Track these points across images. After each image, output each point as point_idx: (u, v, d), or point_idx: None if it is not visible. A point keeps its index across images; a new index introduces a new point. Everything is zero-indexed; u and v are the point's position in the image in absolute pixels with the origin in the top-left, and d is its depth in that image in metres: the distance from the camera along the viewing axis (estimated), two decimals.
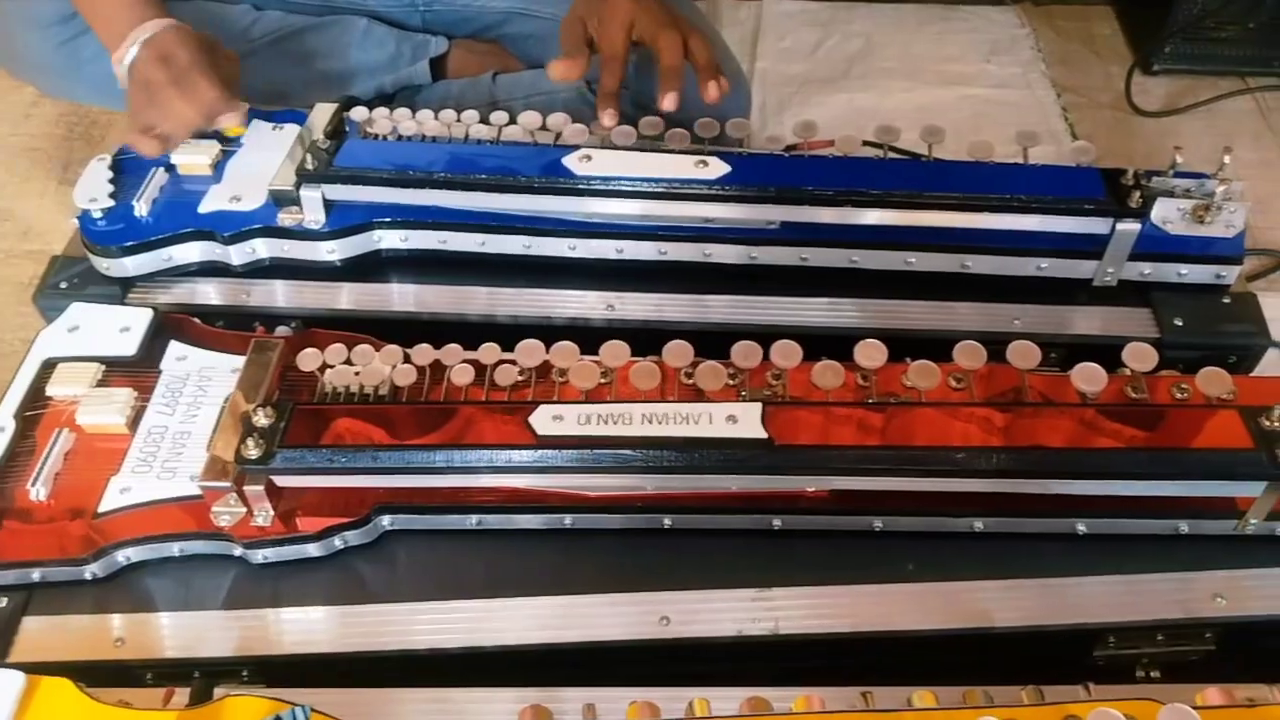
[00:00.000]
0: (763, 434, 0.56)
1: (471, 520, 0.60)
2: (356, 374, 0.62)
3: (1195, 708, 0.42)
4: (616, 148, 0.74)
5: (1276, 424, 0.55)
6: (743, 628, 0.57)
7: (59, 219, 1.00)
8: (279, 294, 0.75)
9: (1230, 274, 0.71)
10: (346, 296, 0.75)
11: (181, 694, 0.53)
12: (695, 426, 0.56)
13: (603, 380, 0.61)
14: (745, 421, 0.56)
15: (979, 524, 0.59)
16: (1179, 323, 0.70)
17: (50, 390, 0.64)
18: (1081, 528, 0.59)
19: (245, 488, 0.57)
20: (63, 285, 0.75)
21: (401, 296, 0.76)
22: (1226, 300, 0.72)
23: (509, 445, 0.56)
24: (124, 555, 0.59)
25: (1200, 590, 0.58)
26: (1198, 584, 0.58)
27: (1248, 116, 1.11)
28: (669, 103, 0.75)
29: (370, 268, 0.76)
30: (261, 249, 0.74)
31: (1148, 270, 0.71)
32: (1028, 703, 0.48)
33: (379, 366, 0.62)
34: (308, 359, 0.62)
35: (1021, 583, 0.58)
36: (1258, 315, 0.71)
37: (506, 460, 0.56)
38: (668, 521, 0.60)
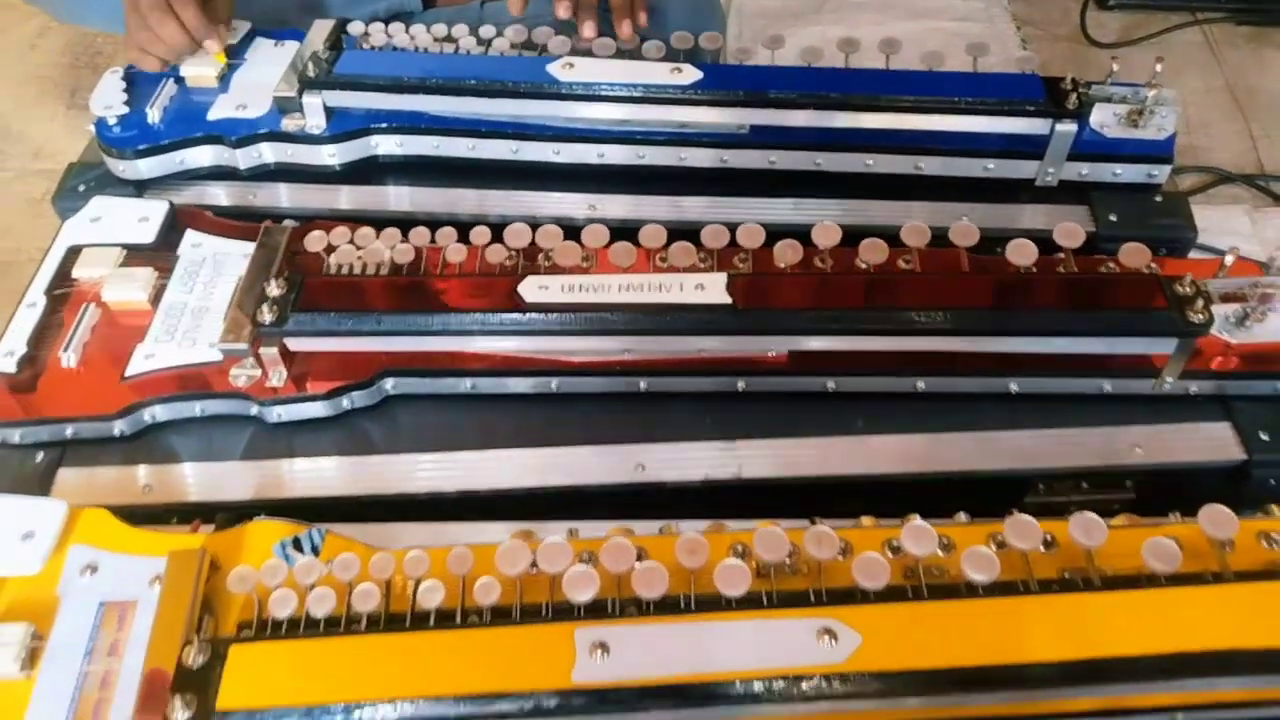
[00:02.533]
0: (727, 299, 0.62)
1: (466, 384, 0.67)
2: (359, 254, 0.68)
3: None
4: (597, 57, 0.80)
5: (1188, 290, 0.62)
6: (710, 472, 0.63)
7: (68, 141, 1.05)
8: (283, 195, 0.81)
9: (1161, 173, 0.78)
10: (345, 198, 0.81)
11: (206, 528, 0.59)
12: (667, 294, 0.63)
13: (584, 261, 0.67)
14: (711, 289, 0.62)
15: (921, 384, 0.65)
16: (1113, 218, 0.77)
17: (76, 272, 0.70)
18: (1014, 386, 0.65)
19: (261, 350, 0.63)
20: (80, 188, 0.81)
21: (397, 198, 0.82)
22: (1158, 199, 0.78)
23: (500, 309, 0.63)
24: (150, 414, 0.65)
25: (1121, 442, 0.65)
26: (1119, 437, 0.65)
27: (1196, 48, 1.17)
28: (625, 31, 0.81)
29: (368, 172, 0.82)
30: (267, 153, 0.80)
31: (1085, 170, 0.78)
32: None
33: (379, 247, 0.68)
34: (314, 240, 0.68)
35: (959, 435, 0.65)
36: (1187, 213, 0.78)
37: (498, 323, 0.63)
38: (643, 384, 0.66)
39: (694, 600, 0.50)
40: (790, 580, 0.52)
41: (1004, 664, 0.47)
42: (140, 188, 0.80)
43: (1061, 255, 0.67)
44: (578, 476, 0.64)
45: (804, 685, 0.46)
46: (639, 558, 0.51)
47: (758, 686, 0.46)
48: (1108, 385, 0.65)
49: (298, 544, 0.56)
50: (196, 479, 0.64)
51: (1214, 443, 0.64)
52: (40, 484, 0.63)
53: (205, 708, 0.47)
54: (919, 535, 0.51)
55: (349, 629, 0.50)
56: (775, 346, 0.64)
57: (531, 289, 0.63)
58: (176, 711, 0.46)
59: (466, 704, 0.47)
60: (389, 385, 0.67)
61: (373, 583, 0.51)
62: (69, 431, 0.65)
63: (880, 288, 0.63)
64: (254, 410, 0.66)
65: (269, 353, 0.63)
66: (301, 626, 0.50)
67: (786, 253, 0.65)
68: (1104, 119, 0.77)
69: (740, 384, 0.66)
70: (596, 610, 0.50)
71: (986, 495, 0.64)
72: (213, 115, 0.80)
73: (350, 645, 0.49)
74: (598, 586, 0.50)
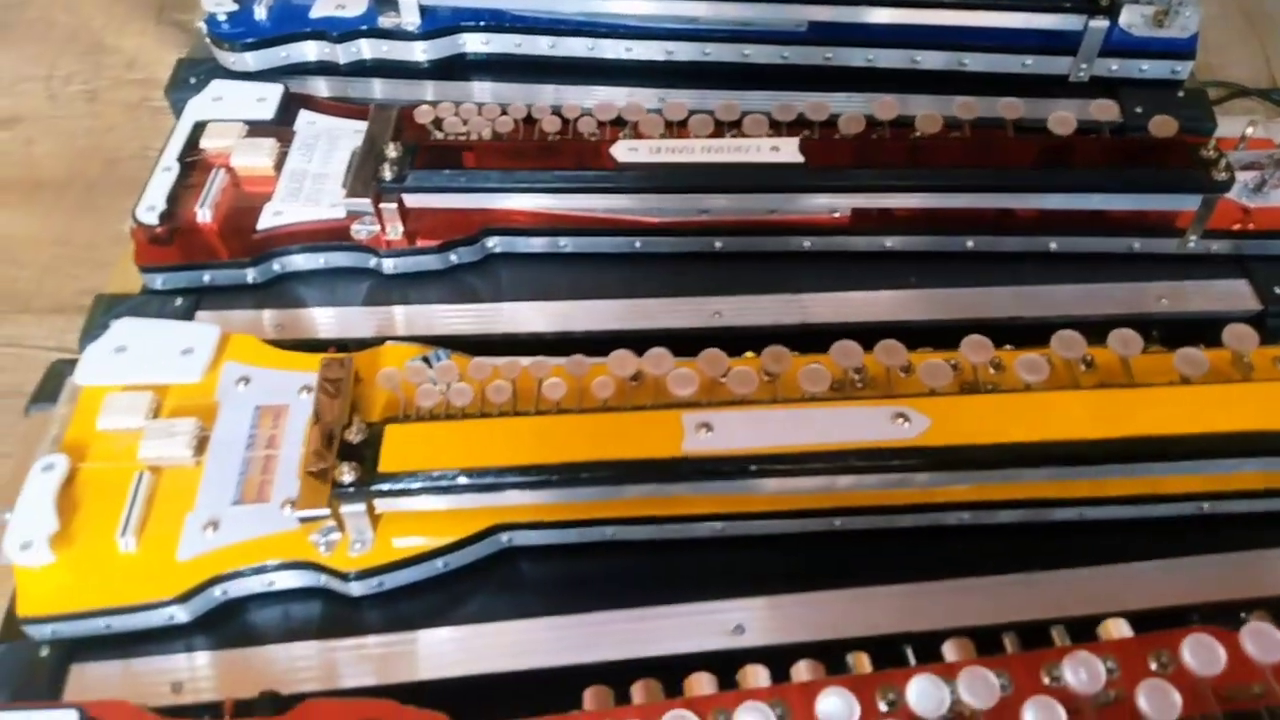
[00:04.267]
0: (799, 159, 0.69)
1: (560, 242, 0.74)
2: (464, 125, 0.75)
3: None
4: None
5: (1211, 153, 0.69)
6: (778, 319, 0.71)
7: (158, 54, 1.12)
8: (376, 89, 0.88)
9: (1184, 69, 0.85)
10: (433, 92, 0.88)
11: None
12: (745, 155, 0.70)
13: (665, 130, 0.74)
14: (785, 150, 0.70)
15: (970, 242, 0.73)
16: (1139, 110, 0.84)
17: (203, 144, 0.77)
18: (1053, 245, 0.73)
19: (381, 205, 0.71)
20: (191, 80, 0.88)
21: (480, 93, 0.89)
22: (1181, 94, 0.85)
23: (595, 168, 0.70)
24: (279, 264, 0.73)
25: (1148, 295, 0.72)
26: (1146, 290, 0.72)
27: None
28: None
29: (454, 68, 0.89)
30: (365, 49, 0.87)
31: (1115, 66, 0.85)
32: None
33: (481, 120, 0.75)
34: (423, 113, 0.75)
35: (1003, 289, 0.72)
36: (1206, 106, 0.85)
37: (593, 180, 0.70)
38: (718, 244, 0.74)
39: (780, 399, 0.58)
40: (862, 391, 0.59)
41: (1051, 440, 0.54)
42: (245, 80, 0.88)
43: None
44: (659, 321, 0.71)
45: (882, 458, 0.54)
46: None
47: (841, 459, 0.54)
48: (1137, 244, 0.73)
49: (426, 361, 0.63)
50: (321, 321, 0.71)
51: (1232, 296, 0.72)
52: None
53: (369, 471, 0.54)
54: (977, 346, 0.59)
55: (485, 416, 0.57)
56: (841, 204, 0.71)
57: (623, 150, 0.70)
58: (344, 474, 0.54)
59: (593, 469, 0.54)
60: (491, 243, 0.74)
61: (504, 380, 0.58)
62: (206, 278, 0.72)
63: (936, 150, 0.70)
64: (372, 262, 0.73)
65: (388, 208, 0.71)
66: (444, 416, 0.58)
67: (850, 124, 0.72)
68: (1132, 20, 0.84)
69: (806, 243, 0.73)
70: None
71: (1026, 342, 0.72)
72: (314, 13, 0.87)
73: (489, 425, 0.56)
74: (698, 384, 0.58)
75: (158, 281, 0.72)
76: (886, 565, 0.58)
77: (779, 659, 0.50)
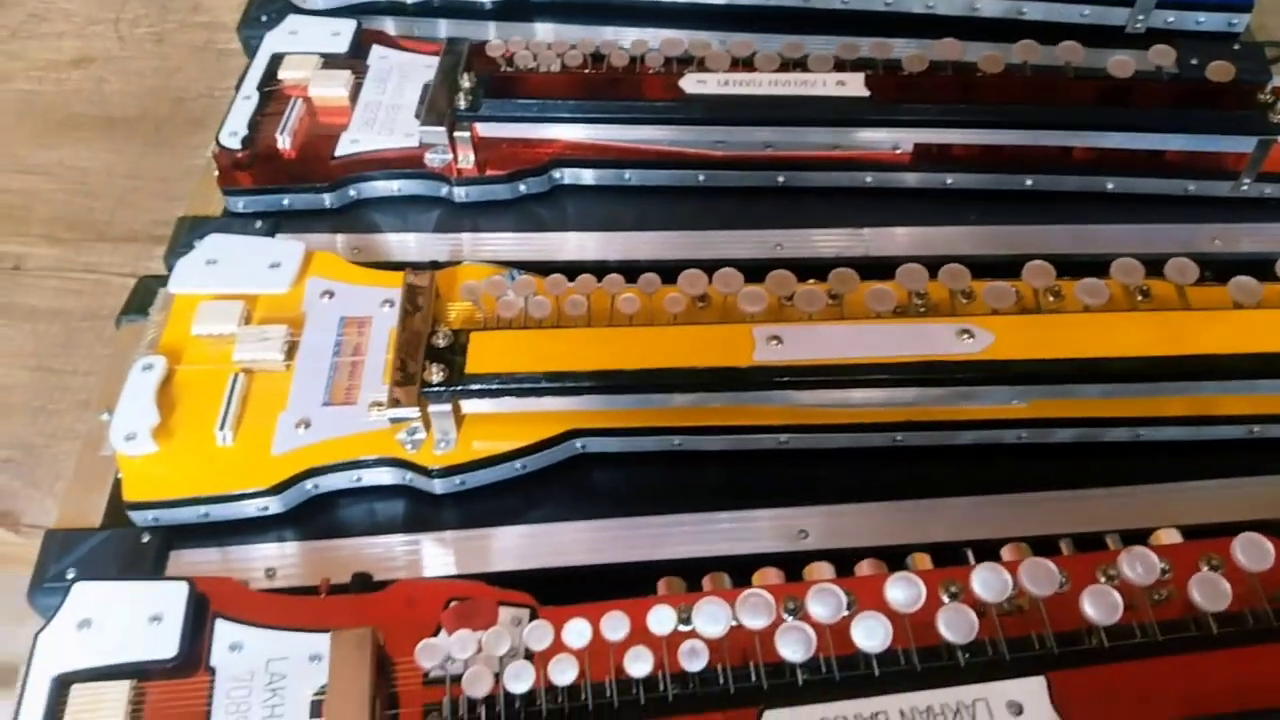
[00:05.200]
0: (865, 93, 0.71)
1: (625, 175, 0.76)
2: (534, 59, 0.77)
3: None
4: None
5: (1268, 97, 0.71)
6: (841, 252, 0.73)
7: None
8: (441, 29, 0.91)
9: (1240, 21, 0.86)
10: (494, 32, 0.90)
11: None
12: (811, 89, 0.72)
13: (731, 66, 0.76)
14: (851, 84, 0.72)
15: (1029, 181, 0.75)
16: (1194, 62, 0.85)
17: (281, 75, 0.80)
18: (1110, 185, 0.74)
19: (455, 133, 0.73)
20: (263, 19, 0.91)
21: (543, 33, 0.91)
22: (1236, 46, 0.87)
23: (665, 99, 0.72)
24: (354, 190, 0.75)
25: (1201, 235, 0.73)
26: (1200, 231, 0.74)
27: None
28: None
29: (518, 10, 0.91)
30: None
31: (1171, 18, 0.86)
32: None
33: (550, 54, 0.77)
34: (494, 48, 0.78)
35: (1060, 227, 0.74)
36: (1262, 58, 0.86)
37: (661, 111, 0.72)
38: (781, 178, 0.76)
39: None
40: (925, 315, 0.62)
41: (1110, 357, 0.56)
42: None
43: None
44: (722, 252, 0.73)
45: (948, 371, 0.56)
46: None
47: (909, 371, 0.56)
48: (1192, 186, 0.74)
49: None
50: (396, 246, 0.74)
51: None
52: None
53: (456, 371, 0.57)
54: (1039, 271, 0.61)
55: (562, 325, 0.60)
56: (904, 139, 0.73)
57: (690, 83, 0.73)
58: (434, 374, 0.57)
59: (668, 375, 0.57)
60: (558, 174, 0.77)
61: (580, 295, 0.61)
62: (285, 202, 0.75)
63: (998, 88, 0.72)
64: (443, 191, 0.76)
65: (461, 136, 0.73)
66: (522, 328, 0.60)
67: (913, 63, 0.74)
68: None
69: (868, 178, 0.75)
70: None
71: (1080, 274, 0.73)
72: None
73: (568, 334, 0.59)
74: (766, 303, 0.60)
75: (239, 204, 0.75)
76: (946, 481, 0.60)
77: (841, 563, 0.52)
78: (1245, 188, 0.74)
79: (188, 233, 0.73)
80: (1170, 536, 0.52)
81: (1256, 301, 0.59)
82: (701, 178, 0.76)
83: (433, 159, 0.75)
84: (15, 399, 0.81)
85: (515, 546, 0.58)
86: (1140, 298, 0.62)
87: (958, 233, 0.74)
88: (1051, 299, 0.62)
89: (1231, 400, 0.59)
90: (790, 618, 0.47)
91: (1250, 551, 0.48)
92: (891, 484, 0.60)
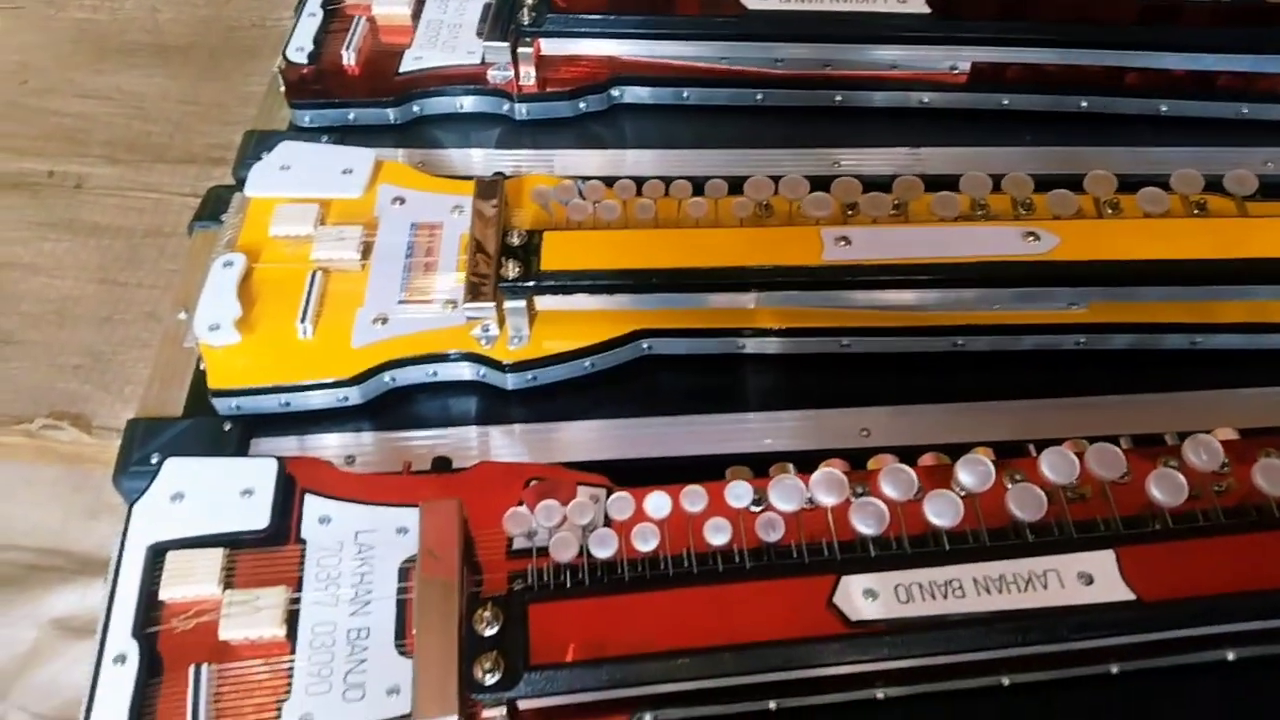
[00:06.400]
0: (926, 9, 0.72)
1: (684, 93, 0.77)
2: None
3: None
4: None
5: None
6: (898, 170, 0.74)
7: None
8: None
9: None
10: None
11: None
12: (872, 4, 0.73)
13: None
14: (911, 2, 0.73)
15: (1084, 102, 0.75)
16: None
17: None
18: (1163, 108, 0.75)
19: (518, 49, 0.74)
20: None
21: None
22: None
23: (726, 15, 0.73)
24: (418, 105, 0.77)
25: (1254, 158, 0.74)
26: (1253, 154, 0.74)
27: None
28: None
29: None
30: None
31: None
32: None
33: None
34: None
35: (1114, 149, 0.74)
36: None
37: (723, 26, 0.73)
38: (838, 97, 0.77)
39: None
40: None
41: (1174, 259, 0.58)
42: None
43: None
44: (780, 169, 0.73)
45: (1015, 271, 0.57)
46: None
47: (977, 271, 0.58)
48: (1245, 109, 0.75)
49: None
50: (456, 161, 0.75)
51: None
52: None
53: (530, 269, 0.59)
54: (1101, 180, 0.62)
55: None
56: (963, 57, 0.74)
57: (756, 2, 0.74)
58: (510, 269, 0.58)
59: (738, 273, 0.58)
60: (617, 92, 0.78)
61: (649, 200, 0.62)
62: (350, 116, 0.76)
63: (1056, 6, 0.73)
64: (505, 108, 0.77)
65: (524, 52, 0.74)
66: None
67: None
68: None
69: (925, 98, 0.76)
70: None
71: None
72: None
73: (638, 234, 0.61)
74: (832, 207, 0.61)
75: (305, 118, 0.76)
76: (1005, 386, 0.61)
77: (902, 460, 0.53)
78: None
79: (255, 145, 0.74)
80: (1228, 435, 0.54)
81: None
82: (759, 96, 0.77)
83: (495, 75, 0.76)
84: (82, 309, 0.83)
85: (584, 440, 0.60)
86: (1197, 211, 0.63)
87: (1013, 153, 0.74)
88: (1110, 211, 0.63)
89: None
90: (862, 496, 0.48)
91: None
92: (952, 389, 0.61)
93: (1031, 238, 0.58)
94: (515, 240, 0.60)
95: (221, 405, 0.59)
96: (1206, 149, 0.75)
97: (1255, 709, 0.50)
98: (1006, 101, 0.76)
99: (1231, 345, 0.62)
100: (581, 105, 0.77)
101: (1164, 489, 0.47)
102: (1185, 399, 0.61)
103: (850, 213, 0.63)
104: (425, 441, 0.59)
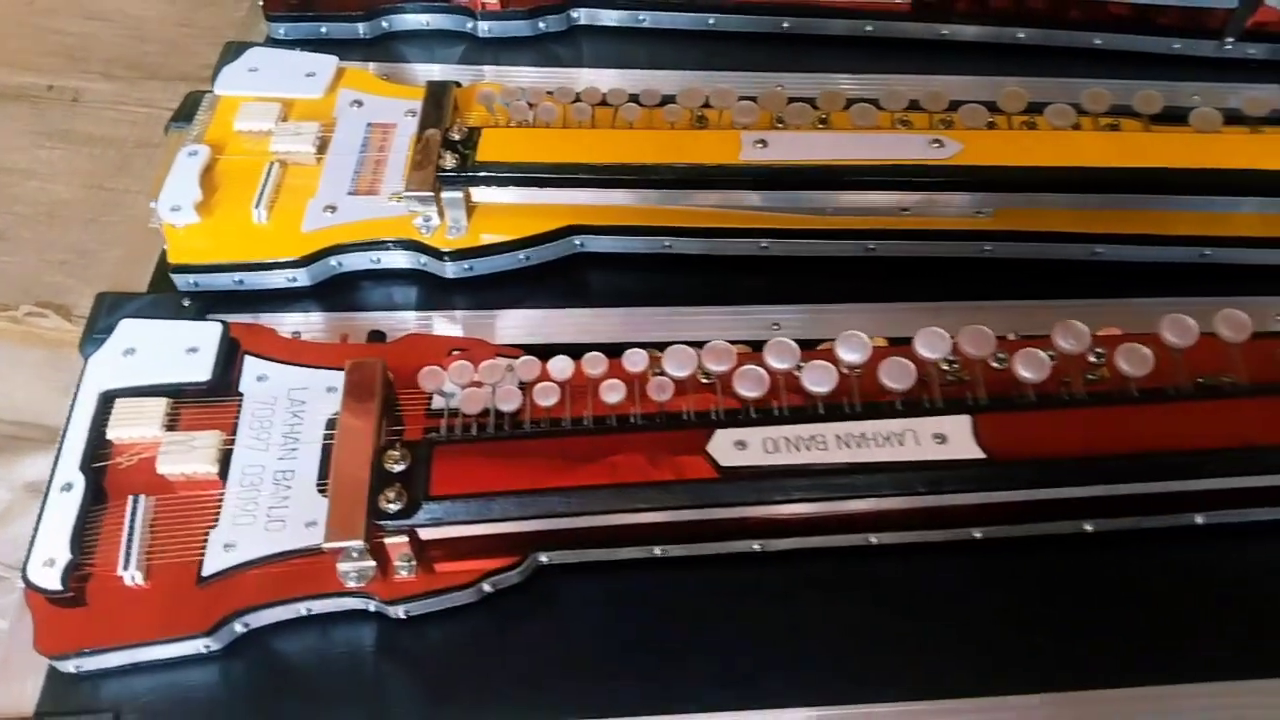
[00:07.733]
0: None
1: (639, 16, 0.81)
2: None
3: None
4: None
5: None
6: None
7: None
8: None
9: None
10: None
11: None
12: None
13: None
14: None
15: (1020, 34, 0.78)
16: None
17: None
18: (1098, 41, 0.78)
19: None
20: None
21: None
22: None
23: None
24: (386, 21, 0.81)
25: (1183, 93, 0.74)
26: (1181, 89, 0.75)
27: None
28: None
29: None
30: None
31: None
32: None
33: None
34: None
35: (1048, 80, 0.76)
36: None
37: None
38: (785, 24, 0.80)
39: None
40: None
41: (1071, 165, 0.61)
42: None
43: None
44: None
45: (918, 175, 0.61)
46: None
47: (883, 174, 0.61)
48: (1177, 45, 0.78)
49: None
50: (421, 75, 0.79)
51: (1268, 97, 0.76)
52: None
53: (467, 161, 0.63)
54: (1013, 97, 0.65)
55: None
56: None
57: None
58: (447, 160, 0.63)
59: (660, 170, 0.62)
60: (575, 14, 0.81)
61: (586, 104, 0.66)
62: (323, 29, 0.81)
63: None
64: (468, 25, 0.81)
65: None
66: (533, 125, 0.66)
67: None
68: None
69: (869, 27, 0.79)
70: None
71: None
72: None
73: (571, 133, 0.65)
74: (758, 115, 0.65)
75: (280, 30, 0.81)
76: (913, 290, 0.65)
77: None
78: (1229, 47, 0.77)
79: (234, 54, 0.79)
80: (1111, 332, 0.57)
81: (1216, 129, 0.63)
82: (711, 21, 0.81)
83: None
84: (72, 212, 0.88)
85: (516, 326, 0.64)
86: (1109, 130, 0.66)
87: (951, 81, 0.77)
88: (1022, 126, 0.66)
89: (1185, 222, 0.63)
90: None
91: (1176, 329, 0.52)
92: (862, 291, 0.65)
93: (936, 144, 0.62)
94: (456, 135, 0.64)
95: (181, 281, 0.64)
96: (1137, 81, 0.77)
97: (1109, 580, 0.54)
98: (946, 32, 0.79)
99: (1131, 257, 0.65)
100: (541, 25, 0.81)
101: (1028, 365, 0.51)
102: (1083, 306, 0.64)
103: (780, 123, 0.66)
104: (368, 323, 0.64)
